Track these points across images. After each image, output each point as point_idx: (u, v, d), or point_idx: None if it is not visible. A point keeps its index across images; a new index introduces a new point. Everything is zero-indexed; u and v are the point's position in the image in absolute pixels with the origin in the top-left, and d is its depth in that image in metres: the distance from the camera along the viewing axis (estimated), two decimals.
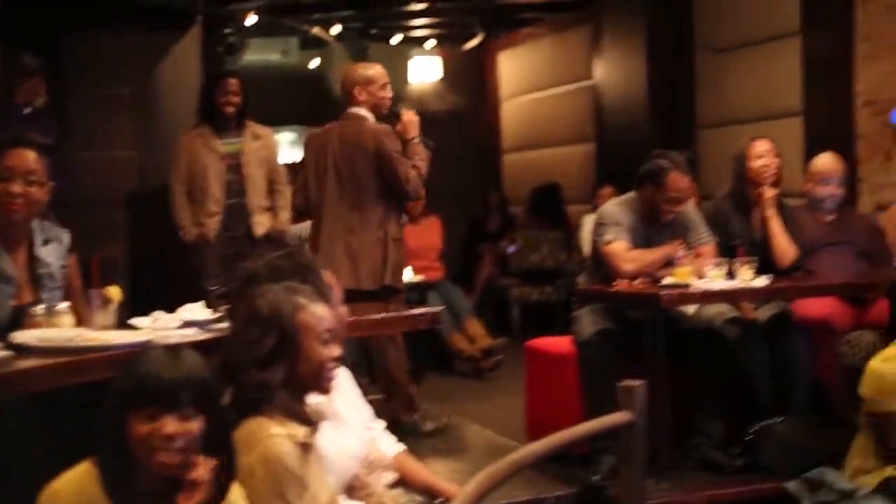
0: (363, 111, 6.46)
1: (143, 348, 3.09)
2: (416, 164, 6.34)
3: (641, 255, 5.85)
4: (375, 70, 6.59)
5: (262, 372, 3.17)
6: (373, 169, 6.35)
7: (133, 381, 2.79)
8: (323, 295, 3.45)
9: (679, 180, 5.84)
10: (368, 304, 5.65)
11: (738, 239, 6.16)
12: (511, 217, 12.67)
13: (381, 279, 6.35)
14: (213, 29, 10.21)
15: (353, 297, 5.91)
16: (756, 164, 6.29)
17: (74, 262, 4.51)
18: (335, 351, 3.33)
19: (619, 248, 5.83)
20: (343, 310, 3.76)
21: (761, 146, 6.32)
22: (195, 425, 2.79)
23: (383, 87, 6.53)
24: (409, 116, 6.48)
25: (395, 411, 6.52)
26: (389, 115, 6.55)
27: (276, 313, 3.20)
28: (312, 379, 3.29)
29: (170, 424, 2.75)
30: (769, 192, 6.21)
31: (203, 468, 2.84)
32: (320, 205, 6.50)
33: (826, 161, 6.70)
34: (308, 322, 3.24)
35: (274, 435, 3.09)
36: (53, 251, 4.26)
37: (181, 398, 2.76)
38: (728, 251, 5.96)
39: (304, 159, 6.66)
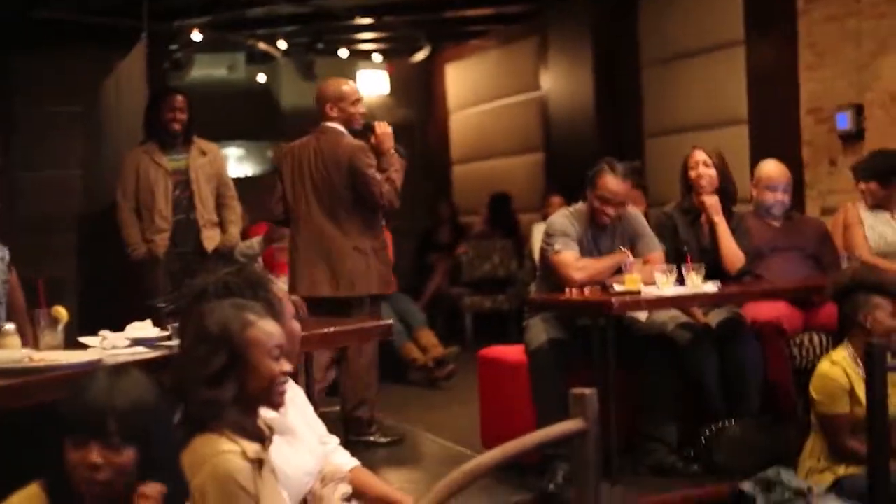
0: (336, 125, 6.61)
1: (91, 370, 3.03)
2: (391, 175, 6.46)
3: (591, 263, 5.87)
4: (348, 86, 6.75)
5: (212, 390, 3.12)
6: (348, 182, 6.49)
7: (67, 407, 2.71)
8: (273, 310, 3.43)
9: (609, 181, 5.89)
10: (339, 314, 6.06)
11: (686, 246, 6.20)
12: (461, 227, 12.69)
13: (366, 287, 6.53)
14: (158, 45, 10.16)
15: (333, 305, 6.31)
16: (692, 173, 6.33)
17: (15, 279, 4.48)
18: (285, 366, 3.30)
19: (569, 257, 5.85)
20: (296, 325, 3.75)
21: (696, 156, 6.35)
22: (124, 456, 2.67)
23: (354, 103, 6.66)
24: (383, 128, 6.58)
25: (354, 420, 6.67)
26: (364, 129, 6.65)
27: (224, 331, 3.17)
28: (263, 395, 3.25)
29: (94, 454, 2.64)
30: (709, 200, 6.25)
31: (151, 492, 2.77)
32: (297, 215, 6.64)
33: (772, 168, 6.76)
34: (258, 338, 3.20)
35: (225, 452, 3.05)
36: None
37: (108, 427, 2.65)
38: (677, 258, 6.00)
39: (280, 170, 6.79)
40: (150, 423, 2.74)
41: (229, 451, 3.05)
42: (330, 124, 6.63)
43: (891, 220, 6.80)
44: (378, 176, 6.45)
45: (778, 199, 6.66)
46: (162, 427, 2.81)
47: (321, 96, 6.71)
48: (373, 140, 6.59)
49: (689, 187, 6.36)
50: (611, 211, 5.94)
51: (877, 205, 6.84)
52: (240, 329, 3.17)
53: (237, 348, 3.15)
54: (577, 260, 5.86)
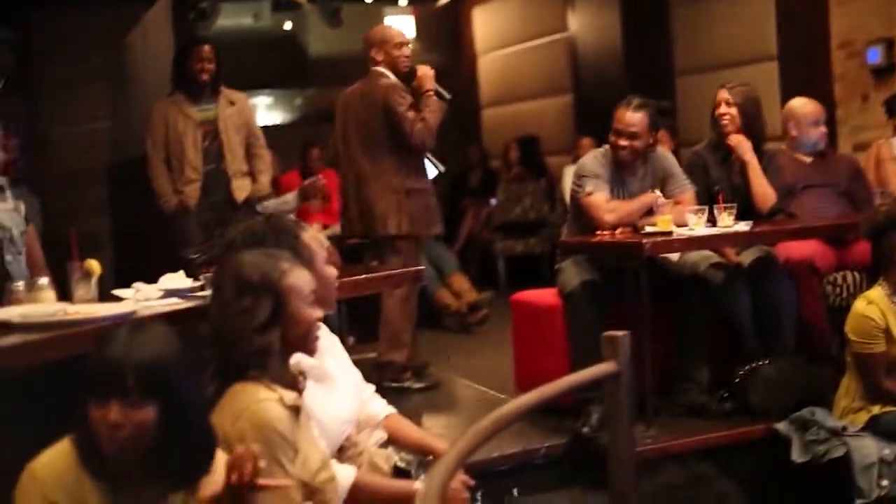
0: (382, 69, 6.76)
1: (114, 326, 3.04)
2: (426, 116, 6.61)
3: (621, 205, 5.85)
4: (391, 30, 6.99)
5: (262, 337, 3.17)
6: (384, 122, 6.65)
7: (90, 364, 2.73)
8: (301, 257, 3.45)
9: (624, 114, 5.88)
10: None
11: (717, 185, 6.16)
12: (492, 171, 12.65)
13: (396, 226, 6.64)
14: None
15: (370, 246, 6.65)
16: (716, 112, 6.30)
17: (33, 231, 4.50)
18: (318, 312, 3.35)
19: (600, 199, 5.84)
20: (329, 271, 3.75)
21: (720, 95, 6.32)
22: (144, 414, 2.69)
23: (398, 45, 6.81)
24: (424, 71, 6.78)
25: (387, 365, 6.74)
26: (410, 72, 6.79)
27: (265, 279, 3.21)
28: (301, 341, 3.31)
29: (114, 412, 2.67)
30: (734, 140, 6.20)
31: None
32: (343, 159, 6.88)
33: (810, 103, 6.70)
34: (296, 285, 3.26)
35: (263, 399, 3.09)
36: (10, 218, 4.24)
37: (128, 384, 2.67)
38: (709, 198, 5.97)
39: (335, 116, 6.99)
40: (170, 378, 2.75)
41: (267, 398, 3.09)
42: (376, 68, 6.78)
43: None
44: (411, 115, 6.57)
45: (822, 132, 6.62)
46: (185, 381, 2.82)
47: (367, 42, 6.87)
48: (415, 82, 6.75)
49: (717, 126, 6.33)
50: (623, 143, 5.90)
51: None
52: (278, 277, 3.22)
53: (279, 296, 3.20)
54: (608, 202, 5.84)
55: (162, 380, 2.72)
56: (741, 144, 6.18)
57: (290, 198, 7.82)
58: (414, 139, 6.59)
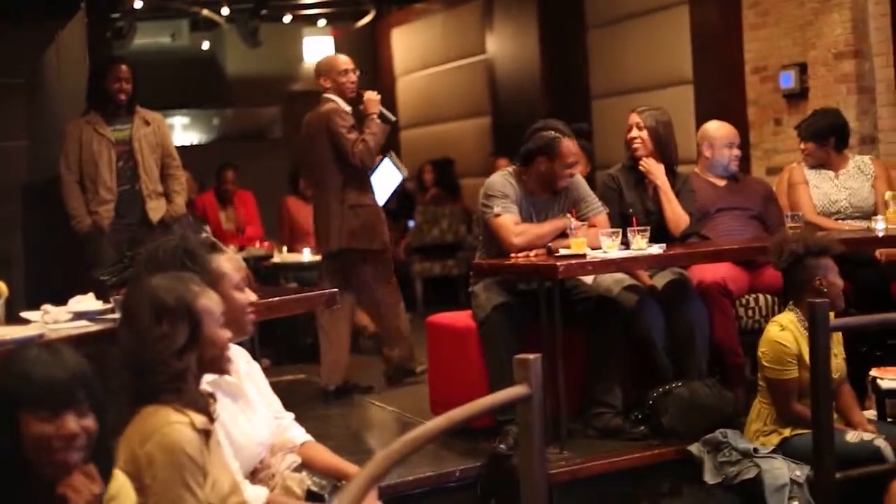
0: (330, 95, 7.25)
1: (17, 347, 3.02)
2: (366, 137, 7.06)
3: (530, 228, 5.83)
4: (337, 59, 7.45)
5: (179, 362, 3.16)
6: (328, 143, 7.14)
7: (24, 381, 2.70)
8: (209, 280, 3.44)
9: (571, 146, 5.88)
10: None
11: (631, 208, 6.21)
12: (410, 193, 12.66)
13: (339, 242, 7.17)
14: (100, 14, 10.05)
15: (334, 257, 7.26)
16: (628, 136, 6.36)
17: None
18: (229, 333, 3.34)
19: (508, 221, 5.80)
20: (238, 296, 3.72)
21: (630, 119, 6.38)
22: (91, 422, 2.73)
23: (343, 72, 7.29)
24: (370, 96, 7.27)
25: (399, 359, 7.50)
26: (358, 96, 7.31)
27: (181, 302, 3.19)
28: (213, 363, 3.31)
29: (72, 422, 2.68)
30: (646, 165, 6.26)
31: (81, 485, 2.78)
32: (310, 181, 7.67)
33: (725, 126, 6.78)
34: (208, 307, 3.25)
35: (173, 422, 3.07)
36: None
37: (77, 395, 2.70)
38: (623, 220, 6.02)
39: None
40: (97, 387, 2.78)
41: (178, 421, 3.08)
42: (325, 95, 7.27)
43: (834, 179, 6.84)
44: (352, 136, 7.06)
45: (735, 154, 6.69)
46: (102, 394, 2.83)
47: (316, 70, 7.42)
48: (361, 106, 7.26)
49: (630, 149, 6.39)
50: (574, 171, 5.95)
51: (818, 164, 6.89)
52: (192, 300, 3.20)
53: (195, 319, 3.19)
54: (517, 224, 5.81)
55: (94, 389, 2.76)
56: (653, 169, 6.24)
57: None
58: (354, 158, 7.04)
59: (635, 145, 6.28)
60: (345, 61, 7.36)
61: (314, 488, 3.79)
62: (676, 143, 6.40)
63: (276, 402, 3.99)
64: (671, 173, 6.30)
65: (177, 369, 3.15)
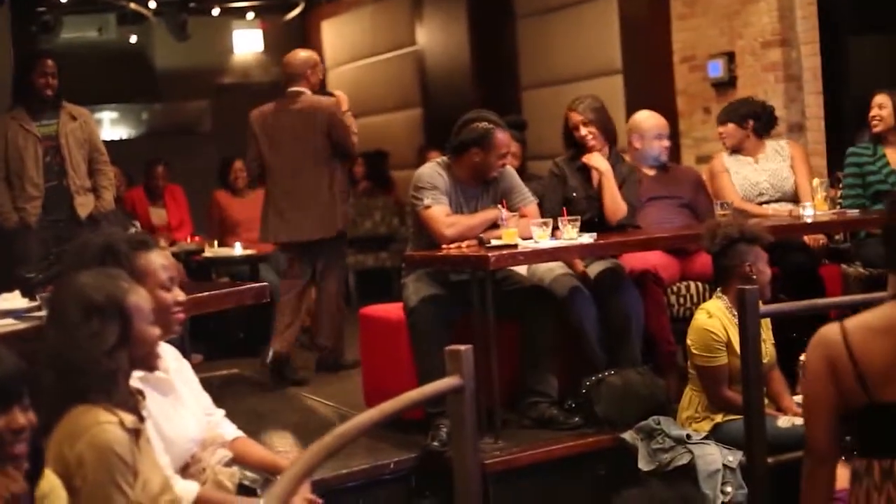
0: (303, 89, 7.51)
1: None
2: (354, 130, 7.47)
3: (461, 219, 5.83)
4: (311, 54, 7.76)
5: (111, 361, 3.11)
6: (323, 137, 7.39)
7: None
8: (135, 277, 3.40)
9: (504, 137, 5.89)
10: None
11: (575, 192, 6.22)
12: None
13: (333, 227, 7.47)
14: (25, 7, 9.93)
15: (305, 247, 7.55)
16: (577, 135, 6.31)
17: None
18: (157, 330, 3.30)
19: (438, 212, 5.79)
20: (164, 295, 3.67)
21: (572, 118, 6.30)
22: (33, 415, 2.74)
23: (317, 68, 7.69)
24: (340, 94, 7.66)
25: (330, 354, 7.76)
26: (323, 92, 7.75)
27: (111, 300, 3.14)
28: (143, 360, 3.27)
29: (19, 416, 2.70)
30: (592, 162, 6.26)
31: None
32: (276, 171, 7.55)
33: (654, 116, 6.82)
34: (138, 304, 3.20)
35: (103, 422, 3.03)
36: None
37: (22, 389, 2.72)
38: (568, 207, 6.03)
39: (253, 134, 7.60)
40: (31, 385, 2.79)
41: (107, 421, 3.04)
42: (297, 89, 7.50)
43: (754, 164, 6.89)
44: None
45: (665, 145, 6.74)
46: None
47: (294, 68, 7.57)
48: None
49: (574, 143, 6.36)
50: (507, 162, 5.98)
51: (736, 149, 6.93)
52: (122, 297, 3.15)
53: (125, 317, 3.15)
54: (448, 216, 5.81)
55: (31, 383, 2.78)
56: (596, 162, 6.23)
57: None
58: (354, 149, 7.64)
59: (591, 143, 6.27)
60: (315, 56, 7.74)
61: (246, 482, 3.78)
62: (613, 121, 6.44)
63: (206, 398, 3.97)
64: (615, 156, 6.31)
65: (108, 368, 3.10)
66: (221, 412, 4.02)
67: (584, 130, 6.29)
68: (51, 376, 3.11)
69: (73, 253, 3.55)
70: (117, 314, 3.13)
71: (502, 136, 5.88)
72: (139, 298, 3.21)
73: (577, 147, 6.36)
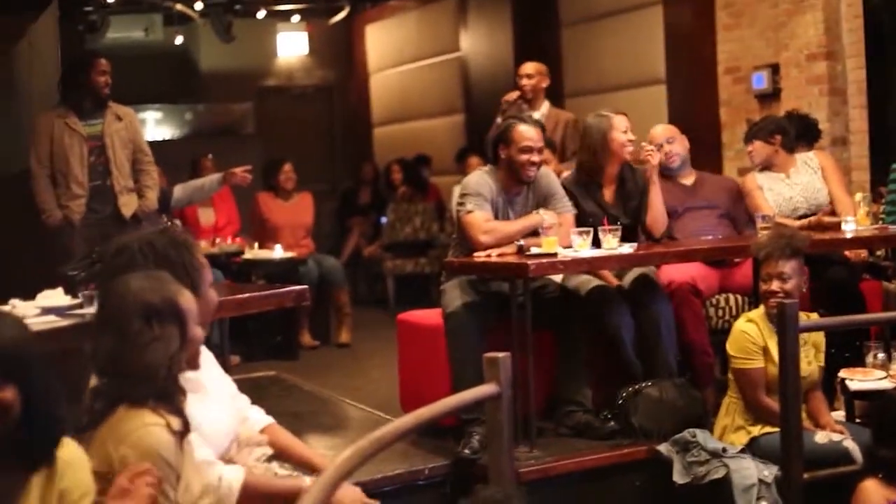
0: None
1: None
2: None
3: (499, 226, 5.81)
4: None
5: (173, 364, 3.13)
6: None
7: None
8: (191, 276, 3.41)
9: (526, 130, 5.85)
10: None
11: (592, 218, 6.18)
12: (381, 190, 12.67)
13: None
14: (72, 7, 10.00)
15: None
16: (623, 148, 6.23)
17: None
18: (202, 331, 3.32)
19: (478, 219, 5.77)
20: (213, 294, 3.69)
21: (623, 125, 6.23)
22: (7, 392, 2.71)
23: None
24: None
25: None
26: None
27: (168, 303, 3.13)
28: (191, 361, 3.28)
29: None
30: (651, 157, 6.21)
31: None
32: None
33: (661, 126, 6.84)
34: (190, 307, 3.20)
35: (149, 424, 3.03)
36: None
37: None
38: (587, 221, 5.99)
39: None
40: (25, 360, 2.79)
41: (154, 423, 3.04)
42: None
43: (785, 179, 6.79)
44: None
45: (667, 151, 6.56)
46: (37, 364, 2.83)
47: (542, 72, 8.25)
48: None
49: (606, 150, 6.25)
50: (536, 159, 5.85)
51: (766, 166, 6.84)
52: (177, 299, 3.15)
53: (182, 319, 3.15)
54: (486, 222, 5.78)
55: (20, 362, 2.76)
56: (653, 168, 6.17)
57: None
58: None
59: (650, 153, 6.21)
60: None
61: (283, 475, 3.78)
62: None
63: (231, 385, 3.92)
64: (631, 169, 6.28)
65: (172, 373, 3.12)
66: (246, 399, 3.96)
67: (630, 135, 6.21)
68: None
69: (118, 251, 3.51)
70: (175, 317, 3.13)
71: (523, 129, 5.85)
72: (189, 301, 3.22)
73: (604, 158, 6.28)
